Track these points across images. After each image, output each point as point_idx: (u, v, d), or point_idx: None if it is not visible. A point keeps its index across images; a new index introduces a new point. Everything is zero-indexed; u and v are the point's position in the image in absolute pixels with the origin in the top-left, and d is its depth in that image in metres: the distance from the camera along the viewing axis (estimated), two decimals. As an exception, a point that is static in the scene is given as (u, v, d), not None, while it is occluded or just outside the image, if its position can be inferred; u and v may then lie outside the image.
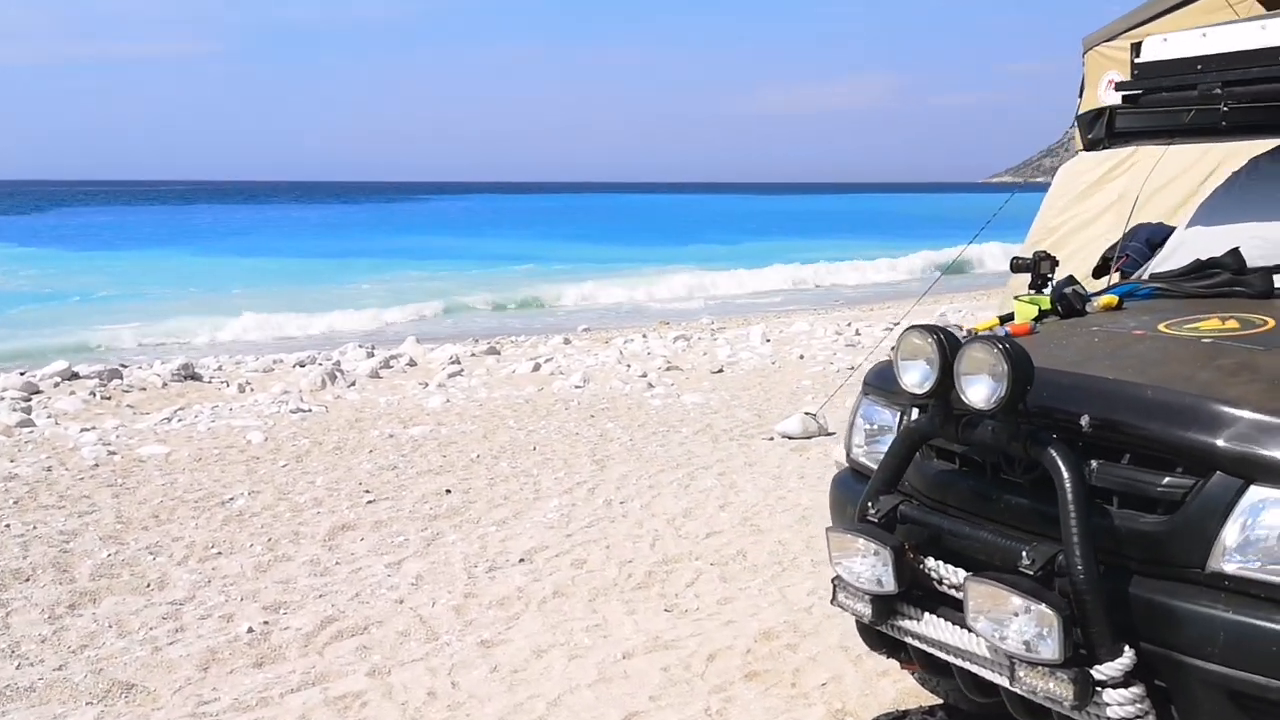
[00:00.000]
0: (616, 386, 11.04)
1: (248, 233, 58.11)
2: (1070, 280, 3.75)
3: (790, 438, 8.41)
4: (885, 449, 3.48)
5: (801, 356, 13.03)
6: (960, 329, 3.54)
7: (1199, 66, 3.54)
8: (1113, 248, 4.55)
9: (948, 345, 2.85)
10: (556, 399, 10.41)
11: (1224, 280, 3.56)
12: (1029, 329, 3.46)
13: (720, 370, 12.10)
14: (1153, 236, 4.33)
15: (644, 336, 16.50)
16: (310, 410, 9.88)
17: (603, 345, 15.59)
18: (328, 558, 5.90)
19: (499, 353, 14.59)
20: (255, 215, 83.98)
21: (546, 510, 6.71)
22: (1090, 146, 3.90)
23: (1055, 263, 6.09)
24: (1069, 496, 2.63)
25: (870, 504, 3.14)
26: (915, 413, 3.38)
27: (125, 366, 12.75)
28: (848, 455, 3.72)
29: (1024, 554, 2.68)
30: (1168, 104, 3.73)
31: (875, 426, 3.54)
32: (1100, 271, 4.56)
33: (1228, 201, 3.97)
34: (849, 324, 17.16)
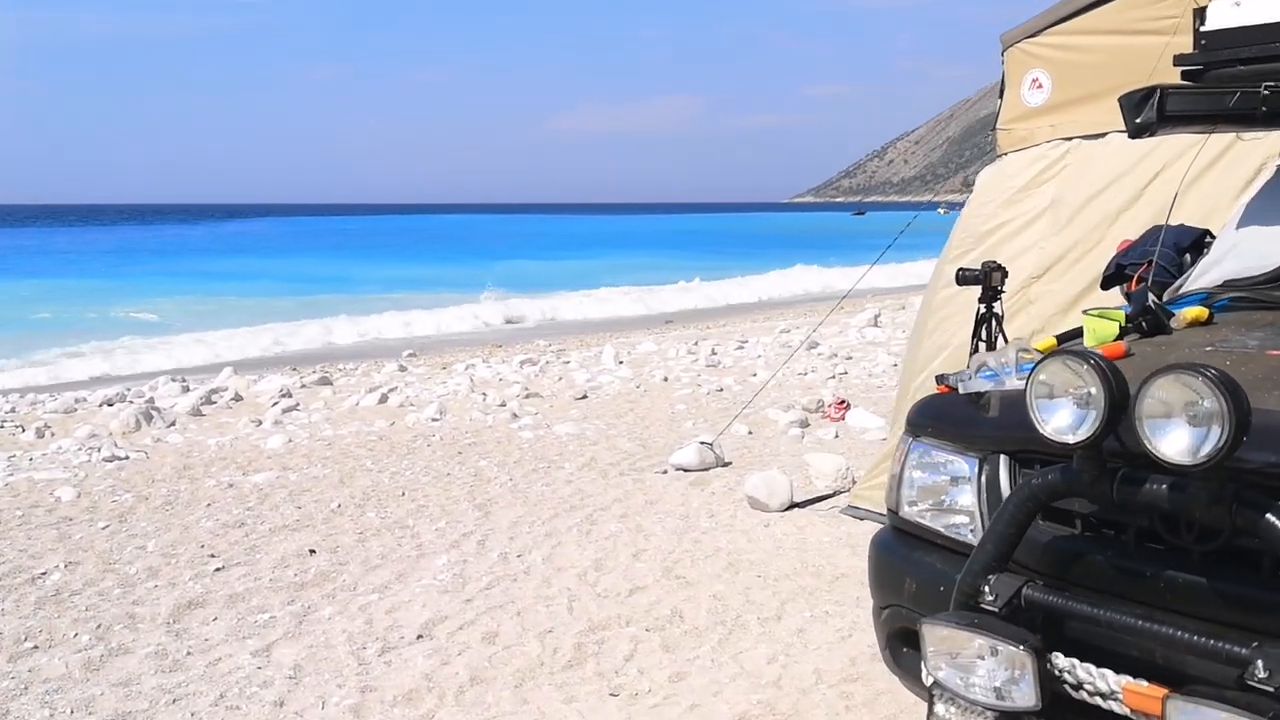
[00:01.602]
0: (478, 418, 10.07)
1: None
2: (1147, 290, 3.12)
3: (687, 470, 7.68)
4: (957, 506, 2.78)
5: (665, 379, 12.34)
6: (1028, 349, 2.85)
7: (1294, 34, 2.99)
8: (1125, 253, 3.97)
9: (1114, 379, 2.14)
10: (414, 434, 9.38)
11: (1327, 288, 3.00)
12: (1123, 350, 2.80)
13: (584, 396, 11.28)
14: (1180, 240, 3.77)
15: (485, 361, 15.55)
16: (128, 457, 8.55)
17: (442, 371, 14.57)
18: (176, 646, 4.80)
19: (332, 383, 13.39)
20: (31, 238, 78.40)
21: (435, 570, 5.76)
22: (1137, 133, 3.31)
23: (1005, 273, 5.60)
24: (1312, 581, 1.95)
25: (983, 586, 2.40)
26: (1003, 462, 2.68)
27: (-107, 411, 10.99)
28: (895, 513, 2.98)
29: (1257, 662, 1.98)
30: (1244, 80, 3.16)
31: (942, 479, 2.81)
32: (1111, 282, 3.98)
33: (1284, 199, 3.43)
34: (696, 343, 16.62)
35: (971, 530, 2.75)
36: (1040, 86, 6.28)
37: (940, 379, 3.00)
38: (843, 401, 9.76)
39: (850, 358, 13.81)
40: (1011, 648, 2.27)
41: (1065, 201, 6.05)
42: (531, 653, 4.66)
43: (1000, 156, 6.49)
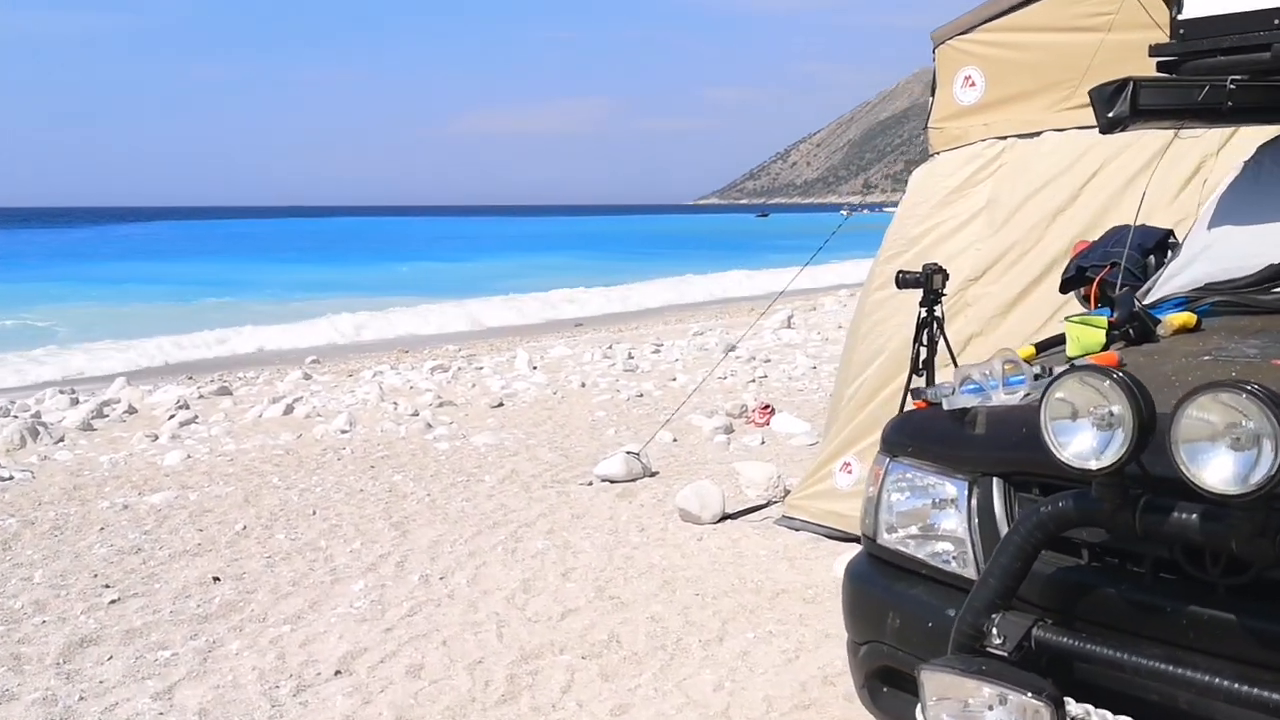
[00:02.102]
0: (390, 429, 9.66)
1: None
2: (1133, 295, 2.93)
3: (613, 481, 7.39)
4: (942, 532, 2.55)
5: (583, 384, 12.04)
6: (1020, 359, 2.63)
7: (1277, 21, 2.82)
8: (1084, 254, 3.80)
9: (1142, 397, 1.92)
10: (324, 447, 8.93)
11: (1319, 290, 2.84)
12: (1116, 360, 2.59)
13: (500, 404, 10.92)
14: (1144, 242, 3.61)
15: (394, 368, 15.07)
16: (12, 477, 7.97)
17: (349, 378, 14.07)
18: (67, 691, 4.36)
19: (232, 393, 12.82)
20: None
21: (351, 596, 5.39)
22: (1109, 127, 3.12)
23: (947, 276, 5.43)
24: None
25: (987, 626, 2.17)
26: (996, 485, 2.45)
27: None
28: (872, 540, 2.73)
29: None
30: (1223, 71, 2.99)
31: (925, 503, 2.58)
32: (1070, 285, 3.81)
33: (1257, 196, 3.29)
34: (611, 346, 16.35)
35: (957, 558, 2.52)
36: (973, 84, 6.14)
37: (917, 393, 2.77)
38: (767, 406, 9.58)
39: (769, 360, 13.68)
40: (1025, 697, 2.04)
41: (1001, 202, 5.91)
42: (461, 687, 4.33)
43: (932, 156, 6.34)
